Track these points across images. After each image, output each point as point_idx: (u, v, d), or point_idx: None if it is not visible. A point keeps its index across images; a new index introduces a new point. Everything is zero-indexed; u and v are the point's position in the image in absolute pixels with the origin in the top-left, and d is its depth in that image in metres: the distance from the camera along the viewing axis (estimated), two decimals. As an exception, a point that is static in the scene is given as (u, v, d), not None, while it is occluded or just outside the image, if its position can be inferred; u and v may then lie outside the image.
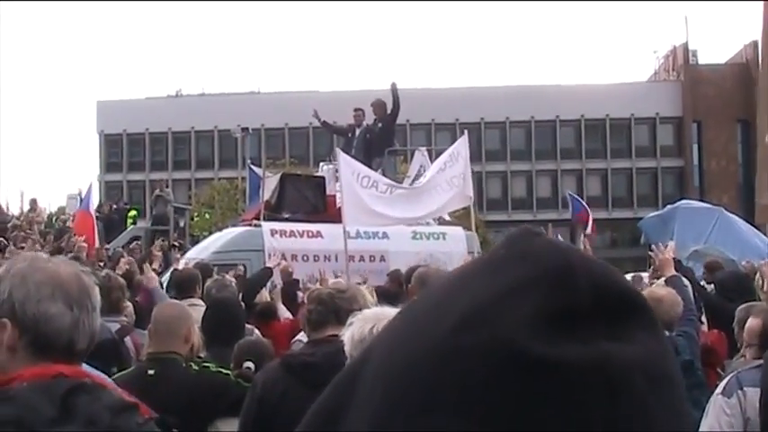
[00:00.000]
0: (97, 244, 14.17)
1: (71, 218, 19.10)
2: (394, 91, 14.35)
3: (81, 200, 17.65)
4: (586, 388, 0.57)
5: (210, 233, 18.38)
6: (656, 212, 15.03)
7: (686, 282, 6.56)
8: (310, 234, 12.50)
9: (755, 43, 51.24)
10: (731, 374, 4.09)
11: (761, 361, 3.78)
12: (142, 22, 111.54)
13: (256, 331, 6.11)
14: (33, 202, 20.56)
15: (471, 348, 0.58)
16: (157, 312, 4.30)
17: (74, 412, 1.79)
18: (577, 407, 0.57)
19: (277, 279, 9.49)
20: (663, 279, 6.37)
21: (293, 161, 42.44)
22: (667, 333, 4.99)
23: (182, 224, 21.58)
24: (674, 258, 6.94)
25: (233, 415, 3.87)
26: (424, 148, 16.00)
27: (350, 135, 14.81)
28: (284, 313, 7.85)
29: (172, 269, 10.20)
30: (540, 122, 56.47)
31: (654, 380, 0.60)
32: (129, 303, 6.66)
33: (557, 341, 0.57)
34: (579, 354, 0.57)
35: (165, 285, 8.59)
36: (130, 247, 14.68)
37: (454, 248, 12.49)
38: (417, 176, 13.88)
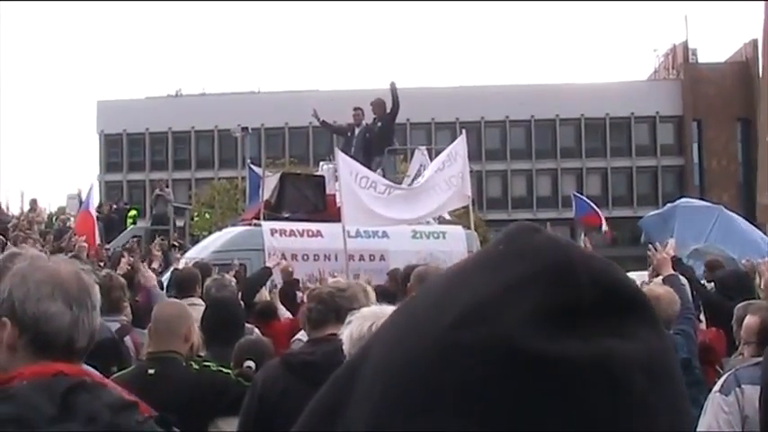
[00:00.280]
0: (98, 242, 14.17)
1: (72, 218, 19.11)
2: (393, 90, 14.35)
3: (81, 200, 17.65)
4: (587, 385, 0.56)
5: (210, 233, 18.38)
6: (657, 211, 15.01)
7: (683, 280, 6.57)
8: (310, 233, 12.50)
9: (755, 42, 51.25)
10: (729, 372, 4.08)
11: (759, 359, 3.76)
12: (142, 22, 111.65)
13: (256, 330, 6.11)
14: (33, 203, 20.58)
15: (470, 345, 0.58)
16: (158, 311, 4.30)
17: (74, 410, 1.79)
18: (578, 404, 0.56)
19: (277, 278, 9.48)
20: (660, 278, 6.39)
21: (293, 160, 42.41)
22: (666, 331, 4.98)
23: (181, 224, 21.59)
24: (674, 256, 6.95)
25: (233, 414, 3.87)
26: (424, 148, 15.98)
27: (349, 134, 14.80)
28: (284, 313, 7.85)
29: (172, 269, 10.20)
30: (539, 121, 56.46)
31: (655, 377, 0.59)
32: (127, 303, 6.65)
33: (556, 337, 0.57)
34: (580, 350, 0.57)
35: (165, 285, 8.60)
36: (126, 246, 14.64)
37: (454, 247, 12.48)
38: (417, 176, 13.87)
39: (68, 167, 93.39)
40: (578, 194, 20.10)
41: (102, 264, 10.96)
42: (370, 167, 12.77)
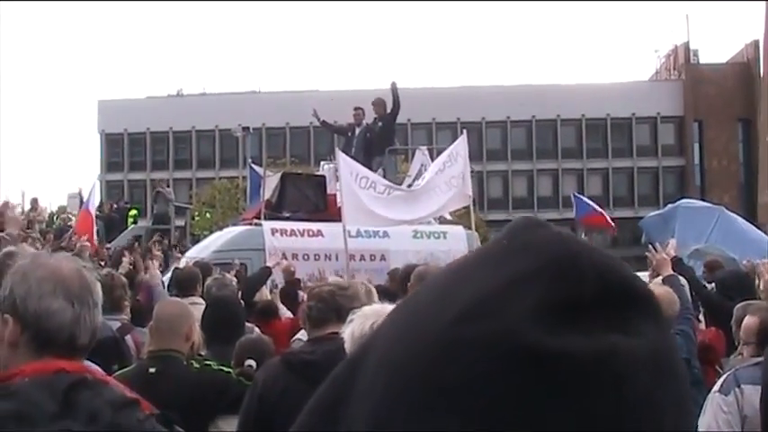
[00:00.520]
0: (96, 241, 14.15)
1: (73, 217, 19.11)
2: (394, 90, 14.34)
3: (82, 199, 17.64)
4: (590, 381, 0.56)
5: (211, 232, 18.37)
6: (657, 212, 15.00)
7: (683, 281, 6.58)
8: (311, 233, 12.49)
9: (756, 42, 51.32)
10: (728, 372, 4.08)
11: (759, 359, 3.75)
12: (143, 22, 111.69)
13: (257, 330, 6.10)
14: (34, 202, 20.56)
15: (472, 341, 0.57)
16: (159, 310, 4.30)
17: (75, 407, 1.79)
18: (581, 400, 0.55)
19: (278, 278, 9.48)
20: (660, 278, 6.40)
21: (294, 160, 42.42)
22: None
23: (182, 223, 21.59)
24: (674, 257, 6.95)
25: (234, 413, 3.86)
26: (425, 148, 15.97)
27: (350, 134, 14.80)
28: (285, 312, 7.85)
29: (173, 268, 10.20)
30: (541, 122, 56.45)
31: (660, 374, 0.58)
32: (128, 303, 6.65)
33: (559, 333, 0.56)
34: (583, 346, 0.56)
35: (166, 285, 8.59)
36: (125, 247, 14.62)
37: (455, 247, 12.46)
38: (418, 176, 13.86)
39: (69, 167, 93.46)
40: (578, 195, 20.05)
41: (102, 263, 10.95)
42: (370, 167, 12.77)
